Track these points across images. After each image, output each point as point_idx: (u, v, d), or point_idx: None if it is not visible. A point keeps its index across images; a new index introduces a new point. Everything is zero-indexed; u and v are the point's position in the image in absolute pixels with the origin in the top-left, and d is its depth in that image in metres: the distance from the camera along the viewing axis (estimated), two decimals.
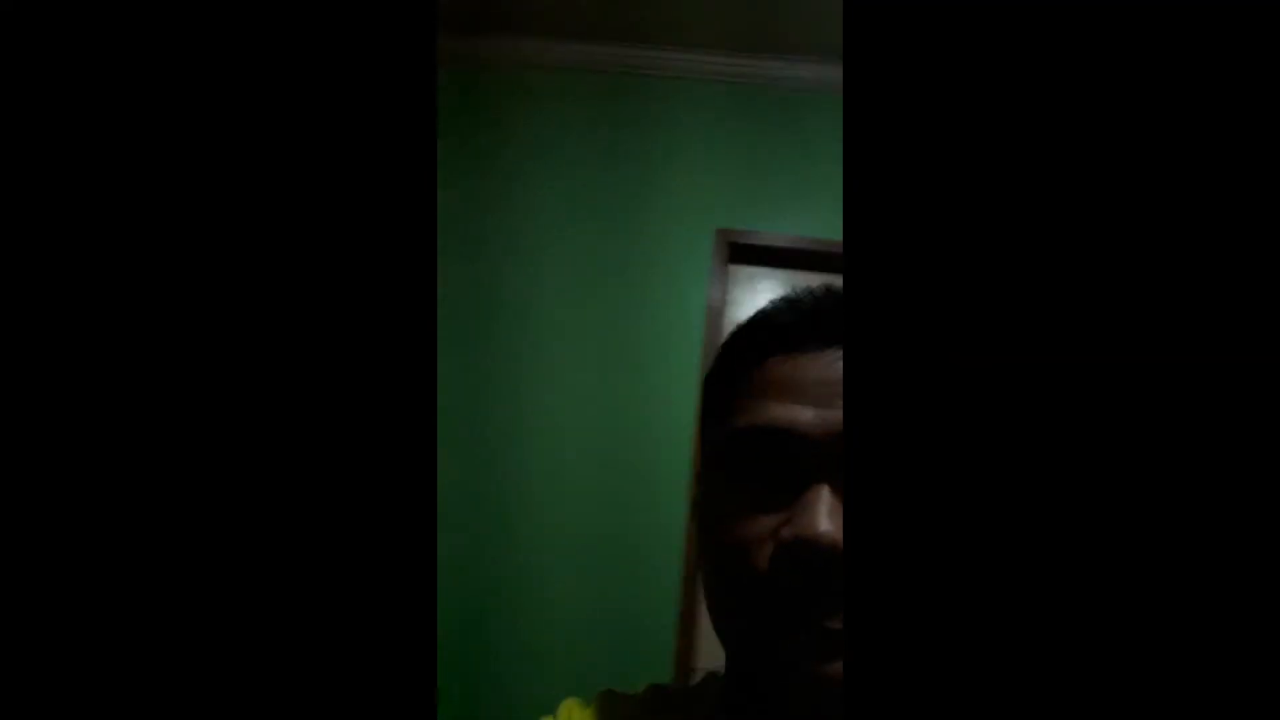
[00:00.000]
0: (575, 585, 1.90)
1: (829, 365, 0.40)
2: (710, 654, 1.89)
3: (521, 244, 2.06)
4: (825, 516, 0.36)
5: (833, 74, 2.06)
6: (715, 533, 0.40)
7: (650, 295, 2.03)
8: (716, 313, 2.01)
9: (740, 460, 0.40)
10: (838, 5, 1.80)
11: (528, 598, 1.89)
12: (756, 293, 2.10)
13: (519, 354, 2.01)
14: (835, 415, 0.38)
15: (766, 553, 0.38)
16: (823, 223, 2.03)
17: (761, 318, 0.45)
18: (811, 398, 0.39)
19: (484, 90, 2.12)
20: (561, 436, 1.97)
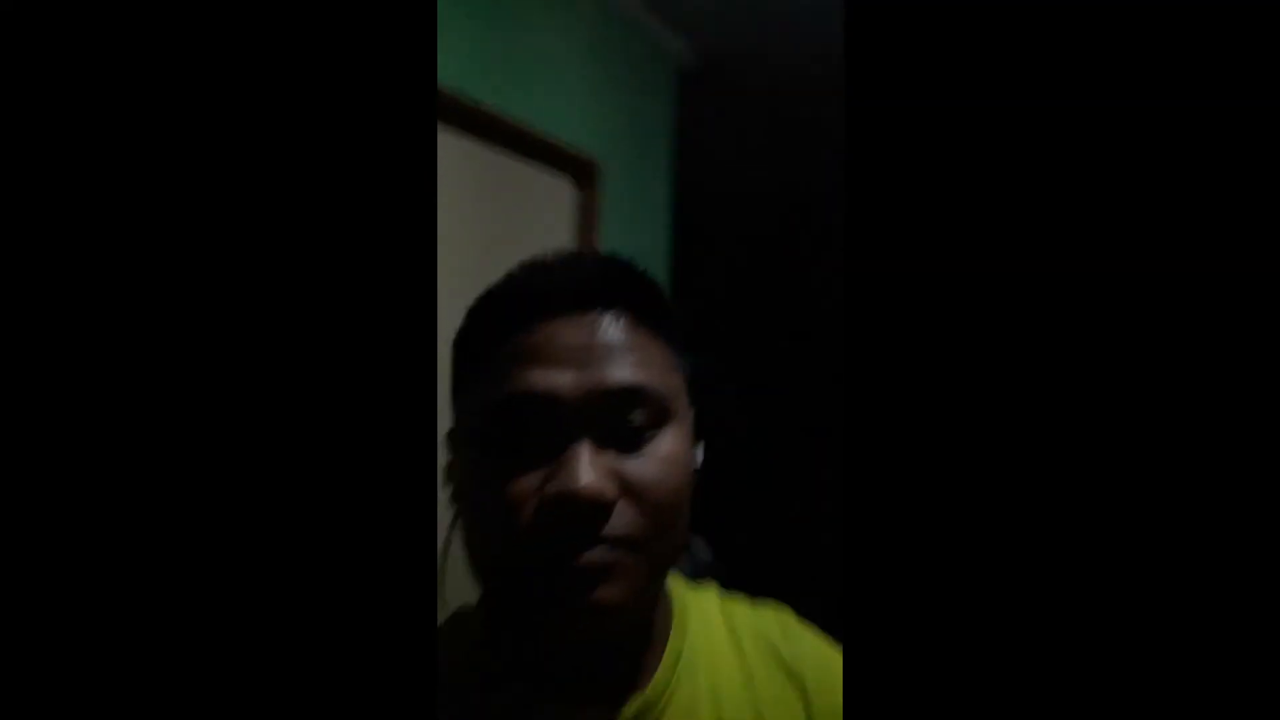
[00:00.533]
0: None
1: (587, 329, 0.43)
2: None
3: None
4: (585, 470, 0.39)
5: None
6: (481, 493, 0.42)
7: None
8: None
9: (503, 426, 0.42)
10: None
11: None
12: None
13: None
14: (593, 376, 0.42)
15: (532, 508, 0.40)
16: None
17: (512, 284, 0.46)
18: (571, 362, 0.42)
19: None
20: None
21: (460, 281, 1.65)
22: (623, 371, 0.42)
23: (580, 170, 2.03)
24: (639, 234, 2.25)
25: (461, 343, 0.48)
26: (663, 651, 0.48)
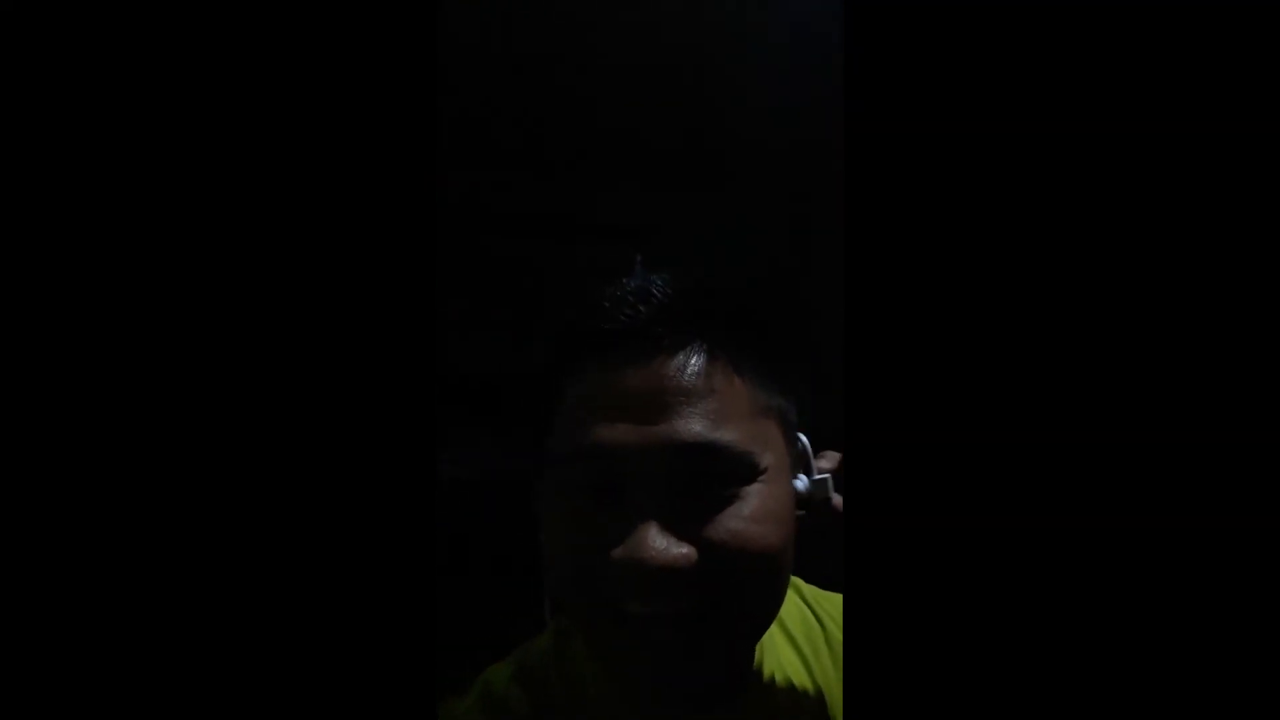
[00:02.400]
0: None
1: (655, 376, 0.38)
2: None
3: None
4: (655, 536, 0.36)
5: None
6: (555, 541, 0.40)
7: None
8: None
9: (573, 478, 0.39)
10: None
11: None
12: None
13: None
14: (654, 431, 0.37)
15: (603, 569, 0.37)
16: None
17: (577, 323, 0.41)
18: (634, 415, 0.38)
19: None
20: None
21: None
22: (694, 424, 0.37)
23: None
24: None
25: (534, 386, 0.44)
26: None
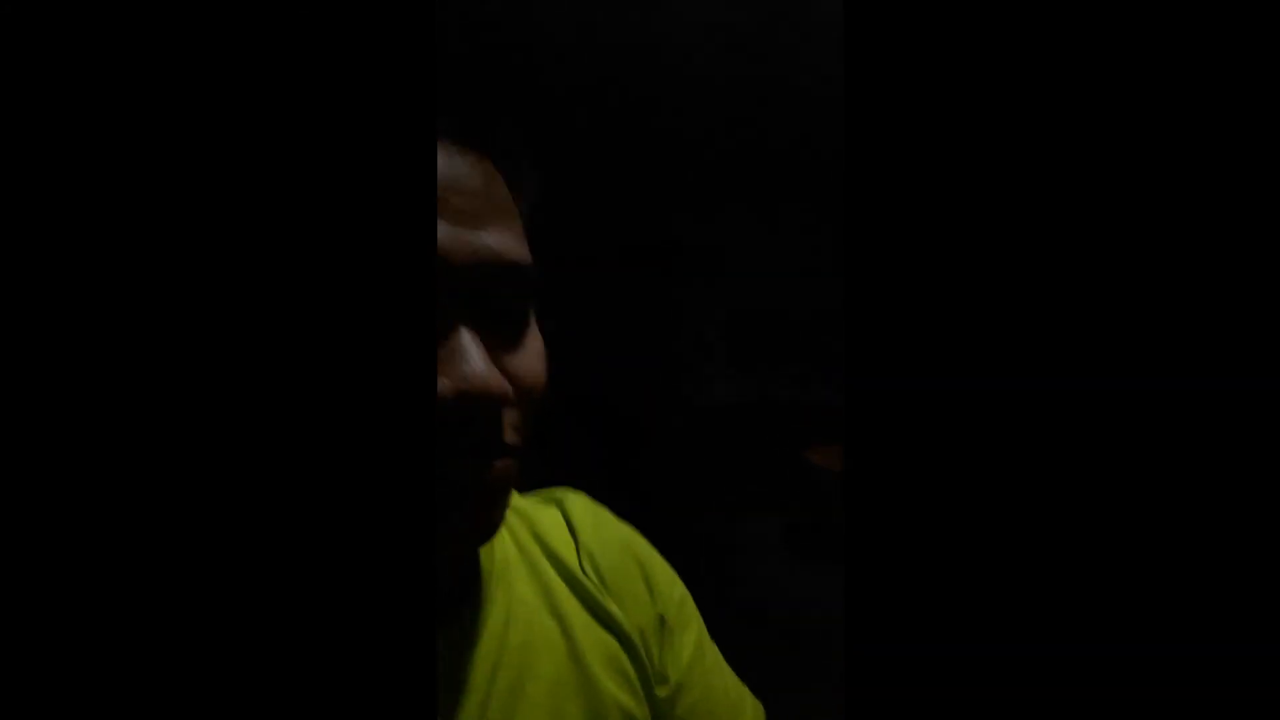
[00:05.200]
0: None
1: (458, 173, 0.33)
2: None
3: None
4: (481, 362, 0.32)
5: None
6: None
7: None
8: None
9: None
10: None
11: None
12: None
13: None
14: (473, 238, 0.33)
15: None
16: None
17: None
18: (451, 212, 0.32)
19: None
20: None
21: None
22: (507, 240, 0.34)
23: None
24: None
25: None
26: (480, 562, 0.43)
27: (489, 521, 0.35)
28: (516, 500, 0.48)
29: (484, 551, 0.43)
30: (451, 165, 0.33)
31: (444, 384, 0.32)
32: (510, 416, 0.35)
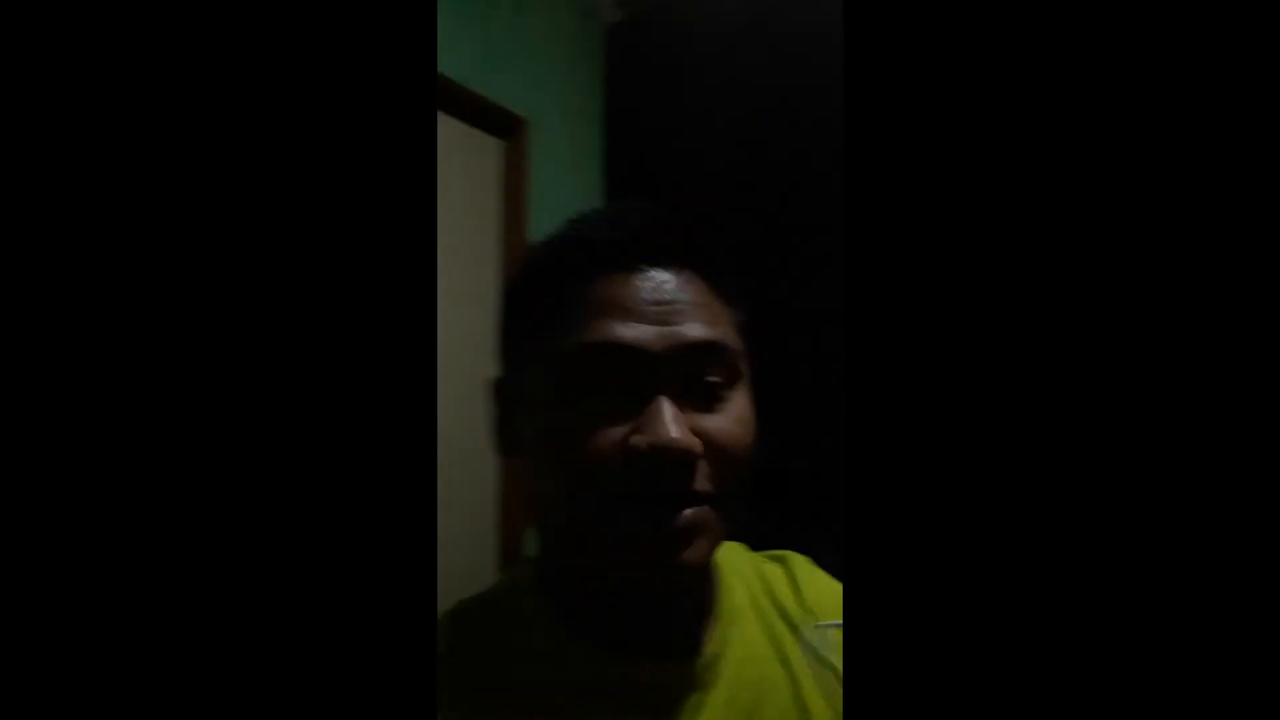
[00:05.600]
0: None
1: (660, 285, 0.43)
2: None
3: None
4: (671, 424, 0.39)
5: None
6: (556, 444, 0.42)
7: None
8: None
9: (582, 376, 0.42)
10: None
11: None
12: None
13: None
14: (673, 332, 0.42)
15: (617, 461, 0.40)
16: None
17: (579, 234, 0.46)
18: (650, 316, 0.42)
19: None
20: None
21: None
22: (700, 327, 0.42)
23: (508, 126, 1.98)
24: (569, 190, 2.22)
25: (522, 292, 0.47)
26: (714, 607, 0.49)
27: (683, 561, 0.40)
28: (748, 555, 0.55)
29: (723, 597, 0.50)
30: (657, 280, 0.43)
31: (638, 439, 0.40)
32: (704, 469, 0.41)
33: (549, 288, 0.45)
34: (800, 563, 0.57)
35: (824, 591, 0.54)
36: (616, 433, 0.40)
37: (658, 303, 0.42)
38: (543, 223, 2.04)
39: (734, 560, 0.54)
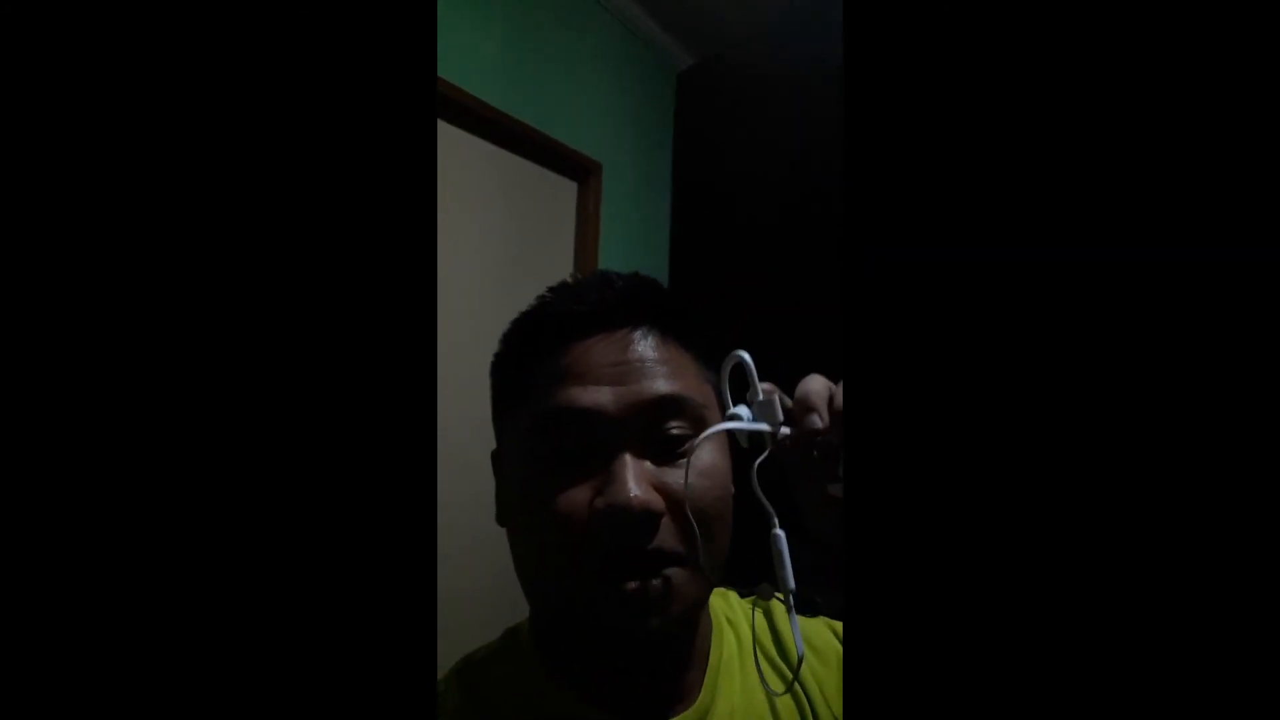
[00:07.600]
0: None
1: (621, 345, 0.45)
2: None
3: None
4: (633, 483, 0.40)
5: None
6: (527, 508, 0.43)
7: None
8: None
9: (547, 442, 0.43)
10: None
11: None
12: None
13: None
14: (629, 391, 0.43)
15: (581, 522, 0.41)
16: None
17: (545, 307, 0.48)
18: (607, 378, 0.43)
19: None
20: None
21: (477, 275, 1.69)
22: (658, 383, 0.44)
23: (584, 171, 2.05)
24: (639, 232, 2.26)
25: (500, 366, 0.50)
26: (705, 662, 0.49)
27: (650, 627, 0.40)
28: (734, 601, 0.57)
29: (714, 647, 0.51)
30: (618, 343, 0.45)
31: (599, 501, 0.41)
32: (669, 526, 0.41)
33: (520, 362, 0.47)
34: (776, 607, 0.57)
35: (804, 629, 0.56)
36: (584, 496, 0.41)
37: (616, 364, 0.44)
38: (613, 259, 2.10)
39: (725, 608, 0.55)
